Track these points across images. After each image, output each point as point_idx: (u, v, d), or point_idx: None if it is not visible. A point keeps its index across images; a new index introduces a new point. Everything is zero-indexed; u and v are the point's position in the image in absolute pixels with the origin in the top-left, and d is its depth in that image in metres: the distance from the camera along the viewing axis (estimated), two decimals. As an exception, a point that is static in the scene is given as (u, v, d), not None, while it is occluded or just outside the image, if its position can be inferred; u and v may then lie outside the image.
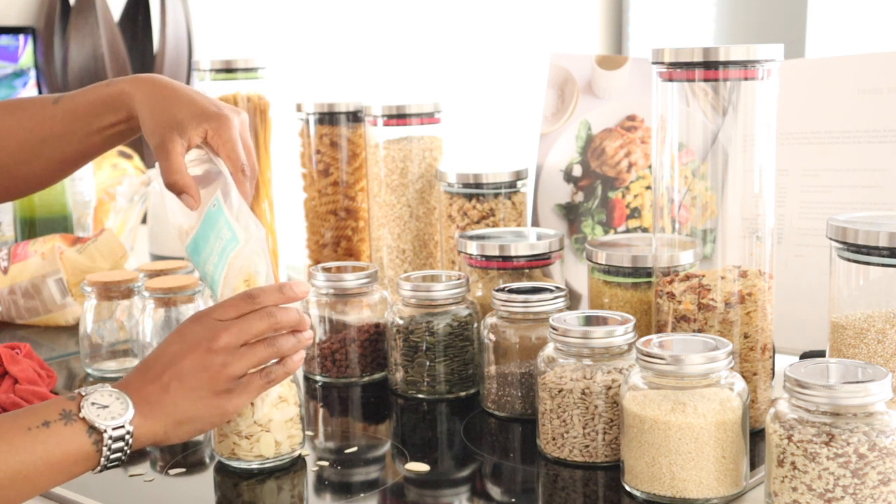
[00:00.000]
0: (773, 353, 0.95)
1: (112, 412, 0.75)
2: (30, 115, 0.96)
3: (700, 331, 0.89)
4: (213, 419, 0.81)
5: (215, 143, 0.89)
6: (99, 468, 0.75)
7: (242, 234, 0.85)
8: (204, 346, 0.79)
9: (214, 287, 0.87)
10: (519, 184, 1.18)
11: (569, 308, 0.97)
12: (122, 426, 0.75)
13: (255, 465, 0.87)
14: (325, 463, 0.90)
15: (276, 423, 0.87)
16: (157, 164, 0.91)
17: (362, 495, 0.85)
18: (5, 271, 1.35)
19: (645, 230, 1.25)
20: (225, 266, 0.85)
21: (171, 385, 0.78)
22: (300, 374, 1.09)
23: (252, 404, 0.86)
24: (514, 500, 0.82)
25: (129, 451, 0.76)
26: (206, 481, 0.89)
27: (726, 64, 0.86)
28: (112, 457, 0.75)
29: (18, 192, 1.00)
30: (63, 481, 0.75)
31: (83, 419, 0.74)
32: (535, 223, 1.29)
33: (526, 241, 1.05)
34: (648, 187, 1.25)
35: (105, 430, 0.74)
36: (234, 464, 0.88)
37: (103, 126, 0.95)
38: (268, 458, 0.87)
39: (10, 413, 0.75)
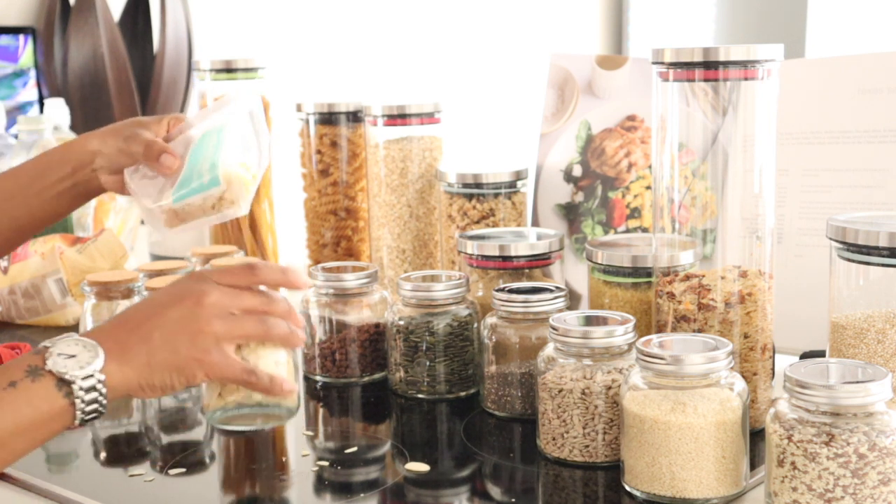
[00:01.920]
0: (773, 353, 0.95)
1: (80, 361, 0.70)
2: None
3: (700, 331, 0.89)
4: (186, 376, 0.75)
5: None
6: (77, 422, 0.71)
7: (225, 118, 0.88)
8: (194, 298, 0.76)
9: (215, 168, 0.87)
10: (519, 184, 1.18)
11: (569, 308, 0.97)
12: (92, 375, 0.70)
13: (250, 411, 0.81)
14: (325, 463, 0.90)
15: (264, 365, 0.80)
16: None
17: (362, 495, 0.85)
18: (5, 271, 1.35)
19: (645, 230, 1.25)
20: (222, 142, 0.86)
21: (153, 334, 0.74)
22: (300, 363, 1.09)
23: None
24: (514, 500, 0.82)
25: (105, 402, 0.72)
26: (206, 481, 0.89)
27: (726, 64, 0.86)
28: (88, 409, 0.71)
29: None
30: (43, 441, 0.72)
31: (50, 372, 0.69)
32: (535, 223, 1.29)
33: (526, 241, 1.05)
34: (648, 187, 1.25)
35: (74, 381, 0.70)
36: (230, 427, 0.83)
37: (45, 186, 0.93)
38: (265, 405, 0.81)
39: None
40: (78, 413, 0.71)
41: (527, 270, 1.05)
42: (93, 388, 0.71)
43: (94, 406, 0.71)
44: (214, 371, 0.77)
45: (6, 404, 0.69)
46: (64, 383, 0.70)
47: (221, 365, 0.77)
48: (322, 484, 0.87)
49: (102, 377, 0.71)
